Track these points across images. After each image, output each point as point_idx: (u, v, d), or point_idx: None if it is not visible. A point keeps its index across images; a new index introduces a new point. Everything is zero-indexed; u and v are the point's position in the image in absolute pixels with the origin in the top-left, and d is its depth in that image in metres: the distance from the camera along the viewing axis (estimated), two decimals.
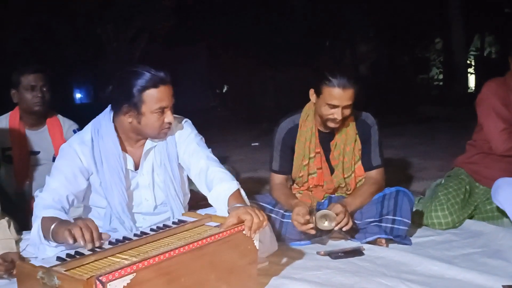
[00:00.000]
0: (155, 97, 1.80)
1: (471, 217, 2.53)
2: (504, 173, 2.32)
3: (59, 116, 2.89)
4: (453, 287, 1.71)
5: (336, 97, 2.16)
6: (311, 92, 2.28)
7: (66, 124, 2.88)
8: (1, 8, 9.44)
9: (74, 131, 2.83)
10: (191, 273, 1.41)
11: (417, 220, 2.45)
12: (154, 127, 1.85)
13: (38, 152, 2.76)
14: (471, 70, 15.77)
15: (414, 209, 2.34)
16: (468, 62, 14.89)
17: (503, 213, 2.30)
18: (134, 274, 1.24)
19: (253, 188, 3.52)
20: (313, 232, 2.13)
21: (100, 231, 1.50)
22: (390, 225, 2.20)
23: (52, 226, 1.54)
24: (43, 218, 1.62)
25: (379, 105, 8.67)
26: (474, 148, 2.65)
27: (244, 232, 1.58)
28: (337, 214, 2.10)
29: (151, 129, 1.85)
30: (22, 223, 2.36)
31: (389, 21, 13.25)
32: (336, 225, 2.09)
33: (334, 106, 2.18)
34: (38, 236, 1.62)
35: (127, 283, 1.22)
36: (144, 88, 1.78)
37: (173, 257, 1.36)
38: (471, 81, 16.02)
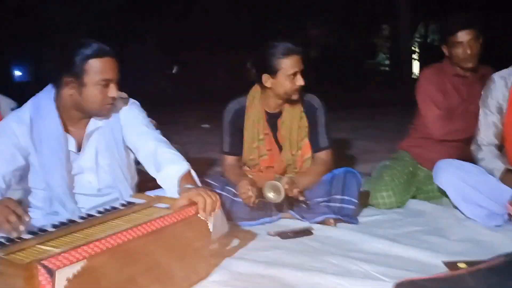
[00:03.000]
0: (99, 68, 1.72)
1: (413, 197, 2.64)
2: (444, 156, 2.43)
3: None
4: (397, 264, 1.77)
5: (295, 63, 2.24)
6: (265, 78, 2.28)
7: (3, 102, 2.73)
8: None
9: (12, 109, 2.68)
10: (144, 257, 1.38)
11: (363, 200, 2.52)
12: (96, 100, 1.76)
13: None
14: (415, 56, 16.33)
15: (361, 190, 2.41)
16: (413, 48, 15.40)
17: (443, 193, 2.41)
18: (85, 261, 1.19)
19: (203, 169, 3.50)
20: (253, 201, 2.17)
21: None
22: (338, 205, 2.25)
23: None
24: None
25: (327, 89, 8.82)
26: (415, 131, 2.76)
27: (199, 215, 1.56)
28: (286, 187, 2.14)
29: (93, 102, 1.76)
30: None
31: (339, 6, 13.43)
32: (285, 195, 2.13)
33: (295, 73, 2.24)
34: None
35: (77, 271, 1.17)
36: (88, 57, 1.70)
37: (126, 242, 1.32)
38: (416, 67, 16.60)
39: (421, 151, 2.70)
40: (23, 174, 1.82)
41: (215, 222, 1.80)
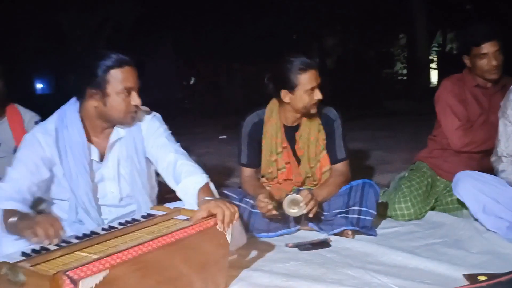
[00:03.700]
0: (120, 77, 1.78)
1: (432, 208, 2.62)
2: (463, 167, 2.41)
3: (19, 107, 2.78)
4: (415, 276, 1.76)
5: (313, 78, 2.27)
6: (283, 93, 2.30)
7: (27, 115, 2.79)
8: None
9: (36, 123, 2.74)
10: (164, 268, 1.40)
11: (382, 211, 2.52)
12: (120, 109, 1.81)
13: None
14: (433, 65, 16.22)
15: (379, 201, 2.41)
16: (431, 57, 15.31)
17: (463, 205, 2.39)
18: (107, 271, 1.22)
19: (221, 180, 3.53)
20: (275, 213, 2.17)
21: (63, 225, 1.48)
22: (356, 216, 2.25)
23: (14, 220, 1.50)
24: (4, 211, 1.58)
25: (344, 98, 8.81)
26: (434, 143, 2.75)
27: (217, 226, 1.58)
28: (306, 200, 2.14)
29: (117, 111, 1.82)
30: None
31: (355, 15, 13.44)
32: (305, 209, 2.13)
33: (313, 88, 2.26)
34: None
35: (100, 281, 1.20)
36: (109, 68, 1.77)
37: (147, 253, 1.35)
38: (434, 76, 16.47)
39: (440, 162, 2.68)
40: (47, 185, 1.87)
41: (233, 233, 1.82)
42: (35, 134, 1.84)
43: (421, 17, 12.34)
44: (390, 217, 2.54)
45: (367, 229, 2.24)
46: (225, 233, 1.62)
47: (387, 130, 6.65)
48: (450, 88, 2.59)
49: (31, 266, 1.25)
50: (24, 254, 1.33)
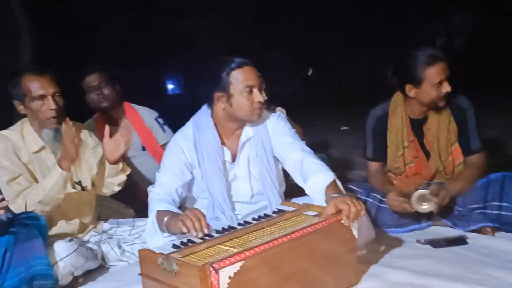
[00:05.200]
0: (240, 77, 1.90)
1: None
2: None
3: (134, 105, 2.92)
4: None
5: (441, 71, 2.15)
6: (408, 88, 2.22)
7: (145, 112, 2.92)
8: (96, 8, 10.11)
9: (156, 119, 2.89)
10: (292, 261, 1.48)
11: None
12: (245, 107, 1.93)
13: None
14: None
15: None
16: None
17: None
18: (243, 262, 1.33)
19: (343, 173, 3.52)
20: (412, 210, 2.11)
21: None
22: (496, 212, 2.11)
23: (166, 219, 1.69)
24: (158, 211, 1.78)
25: (476, 81, 8.11)
26: None
27: (342, 221, 1.62)
28: (435, 195, 2.06)
29: (243, 110, 1.93)
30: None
31: None
32: (435, 206, 2.05)
33: (441, 82, 2.15)
34: (153, 227, 1.78)
35: (237, 270, 1.32)
36: (230, 70, 1.91)
37: (276, 246, 1.44)
38: None
39: None
40: (190, 185, 2.07)
41: (361, 228, 1.83)
42: (177, 142, 2.04)
43: None
44: None
45: (510, 226, 2.08)
46: (351, 228, 1.64)
47: None
48: None
49: (181, 257, 1.41)
50: (174, 246, 1.49)
